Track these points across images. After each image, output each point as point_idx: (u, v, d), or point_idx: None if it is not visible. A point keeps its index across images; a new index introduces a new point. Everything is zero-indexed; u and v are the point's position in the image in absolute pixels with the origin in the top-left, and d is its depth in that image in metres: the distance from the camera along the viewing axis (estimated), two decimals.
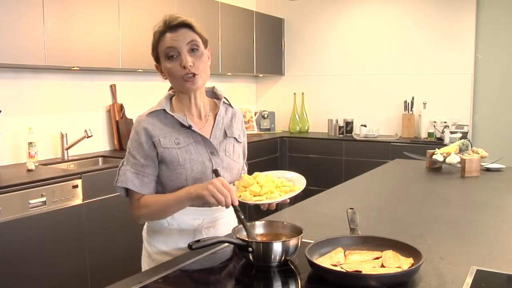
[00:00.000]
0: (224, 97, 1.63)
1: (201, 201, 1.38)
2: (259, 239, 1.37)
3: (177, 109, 1.54)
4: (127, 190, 1.50)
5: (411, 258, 1.21)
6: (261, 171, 1.52)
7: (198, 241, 1.23)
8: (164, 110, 1.50)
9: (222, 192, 1.33)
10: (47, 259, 2.68)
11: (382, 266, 1.20)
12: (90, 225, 2.91)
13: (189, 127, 1.50)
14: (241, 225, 1.37)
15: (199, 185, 1.39)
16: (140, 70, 3.81)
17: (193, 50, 1.46)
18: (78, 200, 2.85)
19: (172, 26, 1.45)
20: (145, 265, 1.57)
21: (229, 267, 1.38)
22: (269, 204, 1.42)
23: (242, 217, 1.36)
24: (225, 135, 1.58)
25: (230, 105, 1.64)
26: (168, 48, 1.44)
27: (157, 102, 1.55)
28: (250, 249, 1.25)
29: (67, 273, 2.79)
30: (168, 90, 1.61)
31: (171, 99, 1.56)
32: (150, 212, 1.47)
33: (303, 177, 1.52)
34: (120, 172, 1.50)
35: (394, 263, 1.20)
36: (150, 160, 1.48)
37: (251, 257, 1.27)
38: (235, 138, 1.61)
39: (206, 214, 1.55)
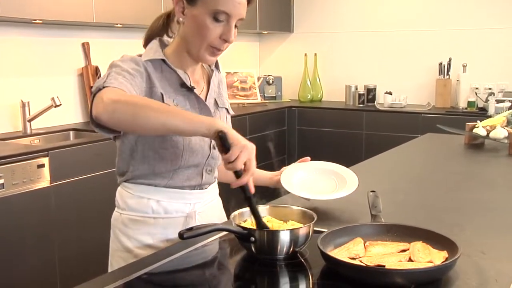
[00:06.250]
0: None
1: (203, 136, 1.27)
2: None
3: (173, 64, 1.51)
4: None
5: (445, 252, 1.22)
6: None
7: (191, 229, 1.23)
8: (164, 61, 1.48)
9: (251, 163, 1.25)
10: (8, 253, 2.70)
11: (410, 260, 1.21)
12: (59, 212, 2.93)
13: (191, 89, 1.50)
14: (245, 211, 1.38)
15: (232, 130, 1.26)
16: (119, 25, 3.78)
17: (236, 26, 1.46)
18: (44, 182, 2.87)
19: None
20: (122, 263, 1.52)
21: (227, 261, 1.40)
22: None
23: (255, 206, 1.33)
24: (217, 105, 1.60)
25: (218, 68, 1.65)
26: (223, 13, 1.40)
27: (148, 48, 1.51)
28: (253, 238, 1.26)
29: (32, 269, 2.82)
30: (146, 40, 1.56)
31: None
32: (131, 103, 1.26)
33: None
34: (109, 76, 1.36)
35: (425, 256, 1.21)
36: (142, 90, 1.42)
37: (253, 249, 1.28)
38: (227, 109, 1.65)
39: (198, 197, 1.56)
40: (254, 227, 1.32)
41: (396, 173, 2.35)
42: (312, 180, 1.74)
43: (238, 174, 1.24)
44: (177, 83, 1.50)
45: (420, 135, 3.46)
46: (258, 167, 1.86)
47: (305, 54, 5.40)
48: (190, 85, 1.50)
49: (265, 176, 1.79)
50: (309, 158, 1.80)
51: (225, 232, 1.41)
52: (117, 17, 3.53)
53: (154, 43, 1.52)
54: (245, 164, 1.23)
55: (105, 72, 1.42)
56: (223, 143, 1.21)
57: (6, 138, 3.23)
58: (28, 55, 3.50)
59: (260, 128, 4.50)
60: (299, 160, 1.79)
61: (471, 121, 2.91)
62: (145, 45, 1.55)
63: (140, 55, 1.50)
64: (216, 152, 1.54)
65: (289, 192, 1.70)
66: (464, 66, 4.66)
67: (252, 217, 1.34)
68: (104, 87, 1.31)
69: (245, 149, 1.21)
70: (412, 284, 1.12)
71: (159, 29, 1.56)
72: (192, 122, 1.24)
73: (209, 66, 1.63)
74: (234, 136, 1.22)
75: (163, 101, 1.44)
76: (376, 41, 5.18)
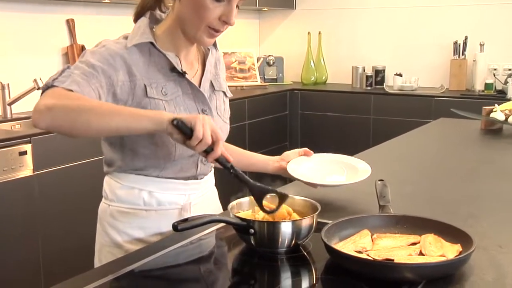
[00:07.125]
0: None
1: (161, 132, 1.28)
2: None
3: (163, 45, 1.49)
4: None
5: (459, 245, 1.22)
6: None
7: (186, 220, 1.24)
8: (152, 43, 1.45)
9: (216, 132, 1.25)
10: None
11: (421, 253, 1.22)
12: (43, 203, 2.93)
13: (183, 74, 1.48)
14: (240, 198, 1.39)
15: (180, 113, 1.29)
16: (106, 1, 3.77)
17: (237, 7, 1.44)
18: (27, 170, 2.87)
19: None
20: (111, 259, 1.50)
21: (224, 254, 1.41)
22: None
23: (240, 173, 1.31)
24: (213, 88, 1.59)
25: (215, 45, 1.63)
26: None
27: (136, 28, 1.48)
28: (252, 230, 1.26)
29: (15, 263, 2.82)
30: (137, 15, 1.52)
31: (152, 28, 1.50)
32: (70, 108, 1.25)
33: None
34: (64, 73, 1.36)
35: (436, 250, 1.21)
36: (110, 89, 1.39)
37: (252, 241, 1.29)
38: (224, 92, 1.64)
39: (194, 188, 1.56)
40: (253, 218, 1.33)
41: (406, 161, 2.35)
42: (321, 169, 1.75)
43: (207, 150, 1.25)
44: (166, 68, 1.47)
45: (432, 120, 3.46)
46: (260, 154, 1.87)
47: (309, 33, 5.38)
48: (182, 70, 1.48)
49: (263, 161, 1.78)
50: (312, 152, 1.79)
51: (222, 224, 1.42)
52: None
53: (143, 21, 1.49)
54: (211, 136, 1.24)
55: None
56: (182, 130, 1.22)
57: None
58: (7, 32, 3.48)
59: (259, 113, 4.50)
60: (302, 150, 1.78)
61: (488, 105, 2.91)
62: (136, 20, 1.53)
63: (127, 37, 1.47)
64: None
65: (283, 184, 1.69)
66: (482, 45, 4.65)
67: (252, 197, 1.35)
68: (52, 86, 1.30)
69: (205, 123, 1.22)
70: (423, 279, 1.13)
71: (151, 4, 1.52)
72: (138, 120, 1.25)
73: None
74: (188, 117, 1.24)
75: (146, 94, 1.42)
76: (385, 18, 5.16)
